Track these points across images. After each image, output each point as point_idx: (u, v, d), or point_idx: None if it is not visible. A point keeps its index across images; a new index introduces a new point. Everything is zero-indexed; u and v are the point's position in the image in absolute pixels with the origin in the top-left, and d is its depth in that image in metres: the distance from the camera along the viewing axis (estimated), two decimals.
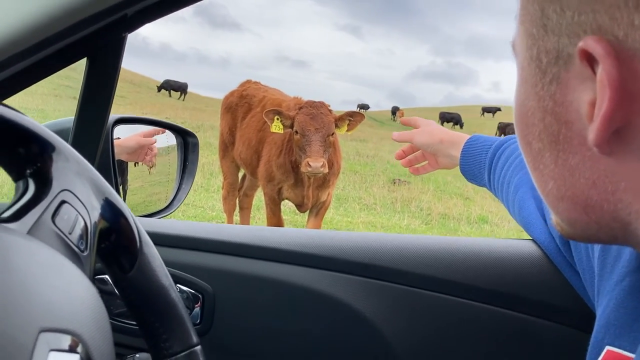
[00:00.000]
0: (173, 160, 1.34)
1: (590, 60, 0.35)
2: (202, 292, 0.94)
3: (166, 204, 1.28)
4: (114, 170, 1.09)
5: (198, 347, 0.53)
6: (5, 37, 0.65)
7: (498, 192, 1.02)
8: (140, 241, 0.50)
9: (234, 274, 0.95)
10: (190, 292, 0.95)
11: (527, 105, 0.41)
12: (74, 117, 0.94)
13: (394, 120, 38.94)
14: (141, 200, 1.36)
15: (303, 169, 3.62)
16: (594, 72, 0.35)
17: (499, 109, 53.49)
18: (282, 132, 3.76)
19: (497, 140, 1.07)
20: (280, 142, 4.02)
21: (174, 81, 37.08)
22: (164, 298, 0.50)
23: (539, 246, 0.89)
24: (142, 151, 1.27)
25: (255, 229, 1.02)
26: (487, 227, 7.08)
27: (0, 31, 0.64)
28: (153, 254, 0.51)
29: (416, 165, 1.24)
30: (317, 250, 0.94)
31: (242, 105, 4.70)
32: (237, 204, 5.21)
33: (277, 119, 3.70)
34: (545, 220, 0.85)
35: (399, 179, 9.53)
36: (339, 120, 3.79)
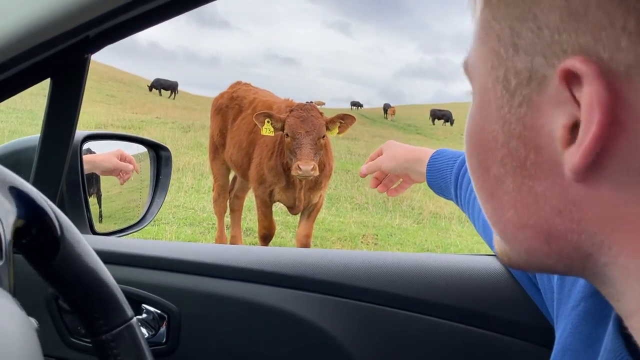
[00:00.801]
0: (146, 173, 1.33)
1: (569, 82, 0.33)
2: (168, 312, 0.94)
3: (138, 219, 1.27)
4: (83, 187, 1.08)
5: (133, 320, 0.54)
6: None
7: (465, 207, 1.02)
8: (61, 228, 0.49)
9: (200, 293, 0.94)
10: (156, 312, 0.94)
11: (489, 129, 0.39)
12: (39, 135, 0.94)
13: (385, 118, 39.00)
14: (119, 206, 1.35)
15: (294, 172, 3.60)
16: (572, 95, 0.33)
17: (449, 114, 53.63)
18: (272, 134, 3.74)
19: (462, 155, 1.07)
20: (271, 144, 4.01)
21: (164, 80, 36.92)
22: (92, 280, 0.50)
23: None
24: (117, 172, 1.27)
25: (221, 248, 1.01)
26: None
27: None
28: (76, 238, 0.50)
29: (392, 187, 1.26)
30: (283, 269, 0.93)
31: (233, 107, 4.68)
32: (228, 206, 5.18)
33: (268, 121, 3.68)
34: None
35: None
36: (330, 122, 3.78)
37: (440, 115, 38.18)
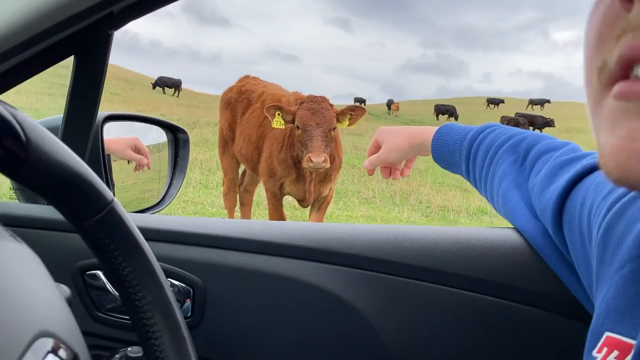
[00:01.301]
0: (164, 157, 1.34)
1: None
2: (193, 286, 0.95)
3: (158, 200, 1.28)
4: (104, 166, 1.09)
5: (114, 202, 0.54)
6: None
7: (479, 183, 1.03)
8: (24, 130, 0.47)
9: (225, 267, 0.95)
10: (181, 286, 0.95)
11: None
12: (62, 115, 0.94)
13: (389, 114, 38.89)
14: (134, 196, 1.36)
15: (305, 164, 3.61)
16: None
17: (502, 101, 53.19)
18: (283, 127, 3.75)
19: (471, 130, 1.07)
20: (281, 137, 4.02)
21: (168, 78, 36.94)
22: (66, 174, 0.50)
23: (521, 235, 0.90)
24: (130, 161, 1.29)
25: (245, 222, 1.02)
26: (486, 218, 7.10)
27: None
28: (40, 136, 0.48)
29: (398, 169, 1.27)
30: (307, 242, 0.94)
31: (241, 100, 4.69)
32: (238, 200, 5.20)
33: (278, 114, 3.69)
34: (530, 211, 0.86)
35: None
36: (340, 114, 3.78)
37: (444, 111, 38.06)
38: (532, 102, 53.41)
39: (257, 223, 1.02)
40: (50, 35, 0.70)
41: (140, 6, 0.77)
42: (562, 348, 0.84)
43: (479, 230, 0.95)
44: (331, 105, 3.76)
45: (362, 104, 51.64)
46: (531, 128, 28.03)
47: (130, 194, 1.36)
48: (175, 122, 1.41)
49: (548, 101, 53.39)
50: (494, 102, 52.74)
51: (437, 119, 37.18)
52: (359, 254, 0.91)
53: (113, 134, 1.20)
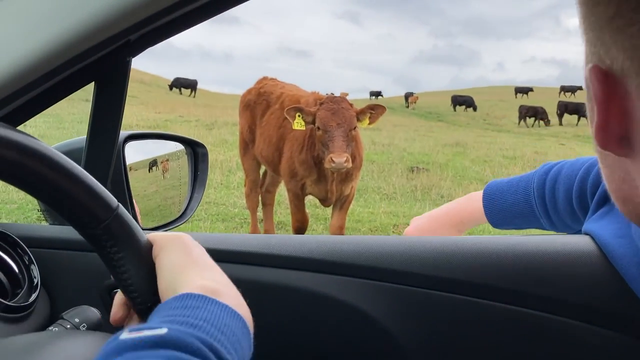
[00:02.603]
0: (184, 170, 1.37)
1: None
2: None
3: (179, 214, 1.31)
4: (127, 185, 1.12)
5: (119, 210, 0.56)
6: (19, 67, 0.69)
7: (573, 225, 1.00)
8: (18, 148, 0.49)
9: (242, 281, 0.96)
10: None
11: None
12: (85, 137, 0.98)
13: (407, 106, 38.67)
14: (156, 204, 1.39)
15: (327, 164, 3.63)
16: None
17: (531, 89, 52.13)
18: (304, 128, 3.77)
19: (526, 183, 1.03)
20: (301, 138, 4.04)
21: (184, 79, 37.16)
22: (69, 185, 0.52)
23: (546, 243, 0.90)
24: None
25: (262, 237, 1.04)
26: None
27: (15, 62, 0.69)
28: (36, 149, 0.50)
29: None
30: (323, 255, 0.95)
31: (261, 102, 4.72)
32: (260, 201, 5.24)
33: (299, 115, 3.71)
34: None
35: (417, 167, 9.50)
36: (361, 113, 3.79)
37: (462, 101, 37.68)
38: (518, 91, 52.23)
39: (273, 237, 1.04)
40: (72, 66, 0.74)
41: (156, 34, 0.80)
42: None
43: (492, 238, 0.96)
44: (351, 105, 3.77)
45: (378, 97, 51.36)
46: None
47: (152, 202, 1.39)
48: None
49: (531, 89, 52.31)
50: (523, 90, 51.45)
51: (455, 109, 36.87)
52: (375, 265, 0.93)
53: (135, 152, 1.23)
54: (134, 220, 0.59)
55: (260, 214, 5.33)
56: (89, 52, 0.72)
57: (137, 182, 1.30)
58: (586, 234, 0.92)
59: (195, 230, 5.37)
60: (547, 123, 27.03)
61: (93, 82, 0.89)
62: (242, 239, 1.03)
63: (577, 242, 0.91)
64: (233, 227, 5.66)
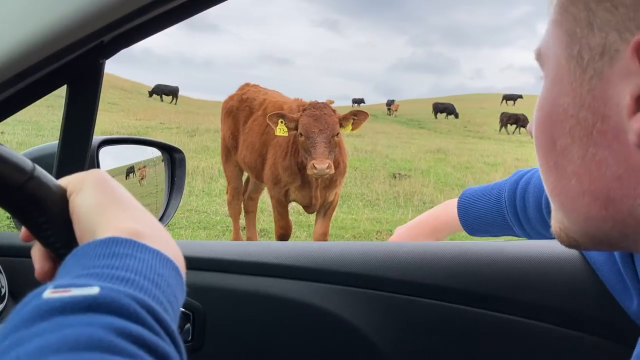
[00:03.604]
0: (161, 176, 1.35)
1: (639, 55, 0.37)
2: (193, 310, 0.95)
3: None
4: None
5: (35, 172, 0.52)
6: None
7: (546, 233, 0.99)
8: None
9: (223, 290, 0.96)
10: (181, 310, 0.96)
11: (559, 102, 0.44)
12: (57, 141, 0.95)
13: (389, 114, 38.88)
14: None
15: (309, 171, 3.61)
16: None
17: (520, 97, 52.38)
18: (286, 135, 3.75)
19: (499, 190, 1.03)
20: (285, 144, 4.02)
21: (165, 85, 36.94)
22: None
23: (529, 248, 0.90)
24: None
25: (243, 245, 1.03)
26: None
27: None
28: None
29: None
30: (305, 262, 0.95)
31: (243, 109, 4.69)
32: (242, 208, 5.20)
33: (281, 122, 3.69)
34: None
35: (400, 173, 9.54)
36: (344, 119, 3.79)
37: (443, 109, 37.98)
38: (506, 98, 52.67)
39: (254, 244, 1.03)
40: (42, 68, 0.72)
41: (130, 35, 0.78)
42: None
43: (472, 244, 0.96)
44: (334, 111, 3.76)
45: (360, 104, 51.63)
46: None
47: None
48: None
49: (520, 96, 52.79)
50: (512, 97, 51.62)
51: (436, 117, 37.17)
52: (355, 272, 0.93)
53: (112, 159, 1.20)
54: (51, 177, 0.54)
55: (242, 221, 5.29)
56: (60, 54, 0.70)
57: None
58: None
59: (176, 238, 5.30)
60: None
61: (65, 85, 0.87)
62: (221, 246, 1.02)
63: (558, 248, 0.91)
64: (215, 235, 5.60)
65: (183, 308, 0.96)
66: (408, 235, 1.15)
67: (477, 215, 1.05)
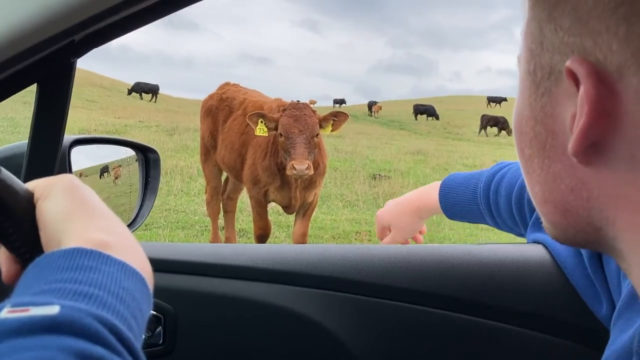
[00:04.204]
0: (135, 176, 1.33)
1: (575, 78, 0.38)
2: (164, 313, 0.94)
3: (129, 222, 1.26)
4: None
5: (0, 174, 0.50)
6: None
7: (515, 229, 1.02)
8: None
9: (195, 293, 0.95)
10: (152, 313, 0.94)
11: (523, 115, 0.46)
12: (27, 141, 0.94)
13: (370, 115, 38.97)
14: None
15: (288, 171, 3.61)
16: (578, 89, 0.38)
17: (504, 99, 52.70)
18: (266, 135, 3.74)
19: (478, 180, 1.06)
20: (264, 144, 4.00)
21: (145, 83, 36.57)
22: None
23: (502, 252, 0.91)
24: None
25: (215, 247, 1.03)
26: None
27: None
28: None
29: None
30: (278, 265, 0.94)
31: (223, 108, 4.66)
32: (221, 208, 5.17)
33: (261, 122, 3.68)
34: None
35: (379, 174, 9.57)
36: (323, 120, 3.78)
37: (424, 110, 38.20)
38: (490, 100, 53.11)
39: (227, 247, 1.03)
40: (11, 66, 0.70)
41: (102, 34, 0.77)
42: None
43: (448, 247, 0.97)
44: (314, 112, 3.76)
45: (342, 105, 51.67)
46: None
47: None
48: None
49: (505, 99, 53.26)
50: (496, 100, 51.84)
51: (416, 118, 37.37)
52: (330, 275, 0.92)
53: (85, 158, 1.18)
54: (18, 181, 0.52)
55: (221, 221, 5.25)
56: (29, 52, 0.69)
57: (87, 183, 1.25)
58: (539, 242, 0.93)
59: (154, 238, 5.26)
60: (510, 133, 27.62)
61: (35, 84, 0.85)
62: (194, 248, 1.01)
63: (531, 251, 0.93)
64: (193, 235, 5.56)
65: (154, 311, 0.94)
66: (394, 211, 1.18)
67: (455, 201, 1.08)
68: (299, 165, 3.51)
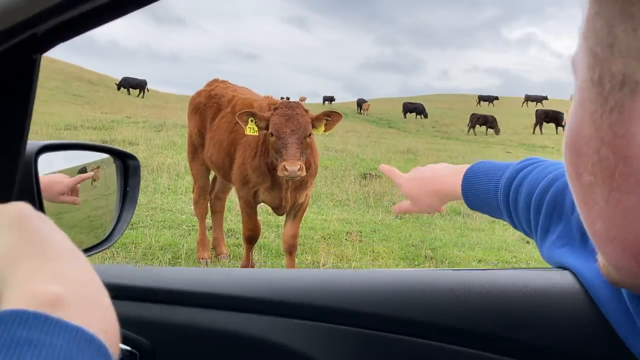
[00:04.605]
0: (112, 178, 1.20)
1: None
2: (139, 349, 0.82)
3: (105, 236, 1.13)
4: (39, 206, 0.90)
5: None
6: None
7: (532, 235, 0.93)
8: None
9: (175, 325, 0.83)
10: (125, 349, 0.81)
11: (582, 133, 0.37)
12: None
13: (359, 112, 38.92)
14: (81, 220, 1.22)
15: (280, 172, 3.49)
16: None
17: (496, 98, 52.95)
18: (257, 134, 3.62)
19: (502, 173, 0.98)
20: (254, 143, 3.88)
21: (133, 78, 36.27)
22: None
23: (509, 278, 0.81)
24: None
25: (197, 272, 0.90)
26: (459, 219, 7.09)
27: None
28: None
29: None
30: (269, 294, 0.82)
31: (211, 105, 4.53)
32: (209, 208, 5.04)
33: (252, 120, 3.56)
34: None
35: (370, 173, 9.49)
36: (316, 120, 3.67)
37: (413, 109, 38.24)
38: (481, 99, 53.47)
39: (210, 272, 0.91)
40: None
41: (67, 27, 0.67)
42: None
43: (465, 273, 0.85)
44: (306, 111, 3.64)
45: (331, 102, 51.64)
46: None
47: (80, 213, 1.22)
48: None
49: (496, 98, 53.62)
50: (487, 99, 52.21)
51: (405, 116, 37.38)
52: (325, 305, 0.80)
53: (52, 166, 1.05)
54: None
55: (209, 221, 5.13)
56: None
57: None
58: (566, 269, 0.82)
59: (140, 237, 5.13)
60: (497, 132, 27.75)
61: None
62: (173, 273, 0.89)
63: (557, 279, 0.80)
64: (180, 235, 5.44)
65: (128, 346, 0.82)
66: (416, 186, 1.13)
67: (477, 192, 1.02)
68: (291, 166, 3.39)
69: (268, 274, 0.89)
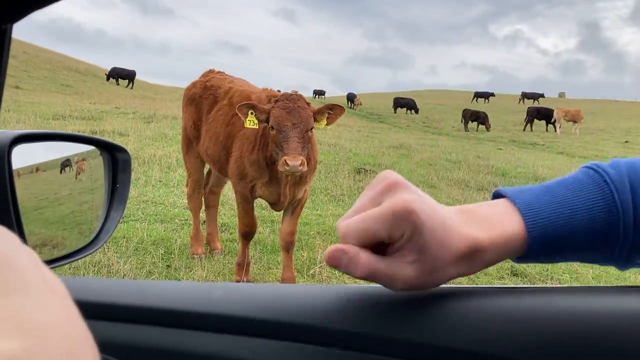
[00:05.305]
0: (99, 170, 1.07)
1: None
2: None
3: (91, 239, 0.99)
4: (13, 203, 0.78)
5: None
6: None
7: None
8: None
9: (154, 349, 0.70)
10: None
11: None
12: None
13: (350, 107, 38.74)
14: (66, 215, 1.08)
15: (280, 167, 3.36)
16: None
17: (492, 94, 52.77)
18: (257, 127, 3.49)
19: (583, 196, 0.62)
20: (252, 137, 3.75)
21: (122, 69, 35.84)
22: None
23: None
24: None
25: (176, 287, 0.77)
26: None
27: None
28: None
29: None
30: (256, 312, 0.68)
31: (207, 97, 4.39)
32: (203, 202, 4.91)
33: (252, 113, 3.43)
34: None
35: (364, 168, 9.39)
36: (318, 113, 3.55)
37: (404, 104, 38.11)
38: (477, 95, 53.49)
39: (192, 287, 0.76)
40: None
41: None
42: None
43: (526, 290, 0.69)
44: (308, 104, 3.52)
45: (323, 96, 51.44)
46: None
47: (65, 207, 1.09)
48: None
49: (492, 94, 53.64)
50: (484, 95, 51.92)
51: (395, 111, 37.30)
52: (324, 326, 0.65)
53: (32, 158, 0.94)
54: None
55: (203, 215, 5.00)
56: None
57: (47, 178, 1.03)
58: None
59: (131, 231, 4.99)
60: (488, 128, 27.75)
61: None
62: (152, 288, 0.76)
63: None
64: (173, 229, 5.30)
65: None
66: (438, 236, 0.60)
67: (563, 243, 0.64)
68: (292, 161, 3.27)
69: (257, 289, 0.74)
